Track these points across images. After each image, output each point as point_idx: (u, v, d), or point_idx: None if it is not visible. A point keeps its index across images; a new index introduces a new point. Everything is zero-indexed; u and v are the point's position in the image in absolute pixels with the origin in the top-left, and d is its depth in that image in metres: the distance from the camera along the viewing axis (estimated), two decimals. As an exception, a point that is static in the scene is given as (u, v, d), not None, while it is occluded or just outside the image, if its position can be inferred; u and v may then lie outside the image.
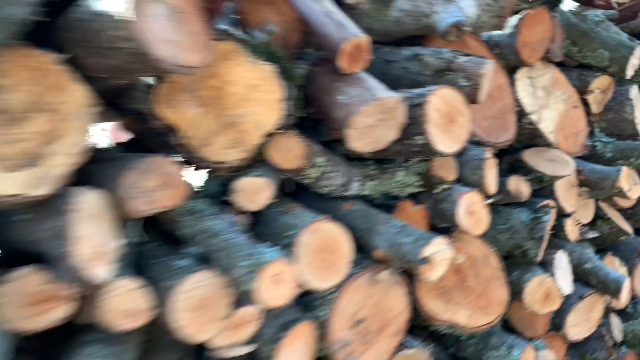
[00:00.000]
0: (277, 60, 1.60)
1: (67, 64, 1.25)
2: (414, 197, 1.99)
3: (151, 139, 1.62)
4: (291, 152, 1.66)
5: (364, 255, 1.77)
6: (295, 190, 1.90)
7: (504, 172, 2.25)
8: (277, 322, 1.60)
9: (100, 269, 1.23)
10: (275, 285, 1.35)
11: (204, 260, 1.46)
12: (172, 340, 1.61)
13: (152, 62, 1.13)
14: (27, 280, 1.24)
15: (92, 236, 1.22)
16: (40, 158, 1.20)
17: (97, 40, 1.16)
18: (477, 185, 1.97)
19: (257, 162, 1.67)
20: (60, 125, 1.23)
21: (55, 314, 1.26)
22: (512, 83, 2.31)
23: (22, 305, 1.24)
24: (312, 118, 1.79)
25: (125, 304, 1.31)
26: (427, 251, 1.63)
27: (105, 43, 1.15)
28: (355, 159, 1.91)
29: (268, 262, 1.33)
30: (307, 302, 1.71)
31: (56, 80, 1.23)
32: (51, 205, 1.22)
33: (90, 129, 1.28)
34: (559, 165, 2.29)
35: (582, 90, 2.64)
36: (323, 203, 1.84)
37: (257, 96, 1.54)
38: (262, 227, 1.65)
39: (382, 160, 1.94)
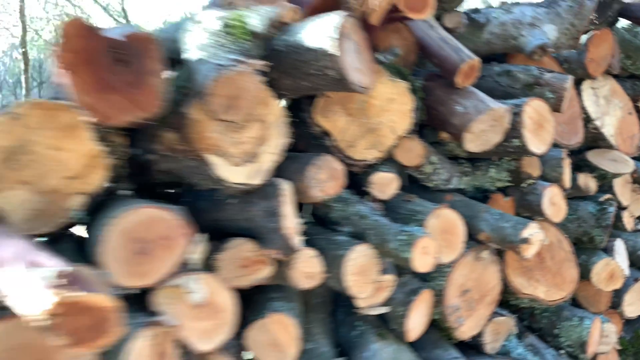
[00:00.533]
0: (405, 77, 1.98)
1: (266, 84, 1.64)
2: (502, 191, 2.36)
3: (303, 140, 2.01)
4: (413, 152, 2.04)
5: (468, 237, 2.15)
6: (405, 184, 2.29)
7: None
8: (404, 290, 1.98)
9: (296, 240, 1.62)
10: (424, 255, 1.74)
11: (355, 237, 1.84)
12: (318, 303, 2.02)
13: (348, 85, 1.52)
14: (241, 247, 1.64)
15: (291, 215, 1.62)
16: (256, 156, 1.59)
17: (306, 68, 1.55)
18: (556, 180, 2.33)
19: (383, 160, 2.05)
20: (267, 131, 1.62)
21: (261, 274, 1.66)
22: (579, 93, 2.67)
23: (236, 267, 1.64)
24: (419, 123, 2.16)
25: (307, 268, 1.70)
26: (526, 233, 2.01)
27: (311, 70, 1.54)
28: (450, 158, 2.29)
29: (420, 237, 1.72)
30: (423, 276, 2.09)
31: (263, 97, 1.62)
32: (262, 191, 1.61)
33: (284, 135, 1.67)
34: (620, 164, 2.64)
35: (635, 99, 2.99)
36: (429, 194, 2.22)
37: (393, 107, 1.93)
38: (390, 212, 2.03)
39: (474, 159, 2.31)
